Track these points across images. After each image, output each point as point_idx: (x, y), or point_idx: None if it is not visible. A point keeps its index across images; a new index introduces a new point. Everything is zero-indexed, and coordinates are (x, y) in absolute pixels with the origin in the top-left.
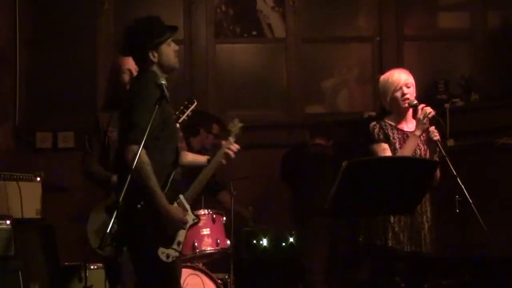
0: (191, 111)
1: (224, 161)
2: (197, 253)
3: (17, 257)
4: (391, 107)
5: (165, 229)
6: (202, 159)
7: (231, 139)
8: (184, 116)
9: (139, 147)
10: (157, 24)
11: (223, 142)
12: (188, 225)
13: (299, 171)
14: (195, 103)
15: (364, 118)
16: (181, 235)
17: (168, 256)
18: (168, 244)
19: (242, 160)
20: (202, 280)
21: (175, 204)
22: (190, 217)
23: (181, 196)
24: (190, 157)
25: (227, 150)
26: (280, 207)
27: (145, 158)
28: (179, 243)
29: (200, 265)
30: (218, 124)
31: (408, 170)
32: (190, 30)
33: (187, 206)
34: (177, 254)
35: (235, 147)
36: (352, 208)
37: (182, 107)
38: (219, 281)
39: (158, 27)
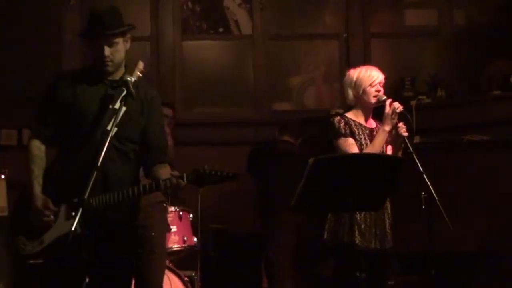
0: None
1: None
2: None
3: None
4: (358, 101)
5: (29, 217)
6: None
7: (184, 180)
8: None
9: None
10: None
11: (172, 178)
12: (59, 229)
13: (266, 167)
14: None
15: (331, 115)
16: (48, 235)
17: (23, 248)
18: (29, 235)
19: (209, 157)
20: (169, 278)
21: (63, 205)
22: (69, 224)
23: (76, 200)
24: (159, 173)
25: (166, 184)
26: (247, 204)
27: (29, 147)
28: (41, 242)
29: (167, 262)
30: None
31: (374, 167)
32: (156, 26)
33: (73, 213)
34: (34, 251)
35: (176, 183)
36: (318, 204)
37: None
38: (186, 278)
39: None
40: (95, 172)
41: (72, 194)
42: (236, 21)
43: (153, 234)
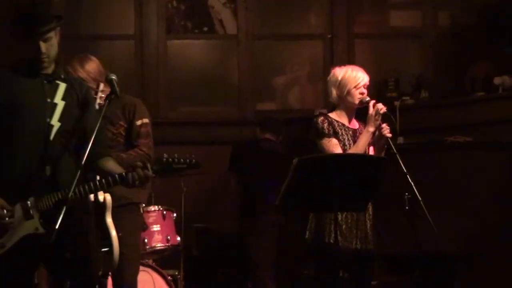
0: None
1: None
2: (147, 250)
3: None
4: (341, 101)
5: None
6: (118, 171)
7: (150, 170)
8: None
9: None
10: None
11: (138, 169)
12: (20, 230)
13: (249, 166)
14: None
15: (315, 116)
16: (8, 238)
17: None
18: None
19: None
20: (152, 277)
21: (17, 205)
22: (31, 224)
23: (31, 199)
24: (109, 165)
25: (131, 175)
26: (230, 203)
27: None
28: (2, 246)
29: (150, 261)
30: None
31: (359, 167)
32: (141, 25)
33: (34, 212)
34: None
35: (140, 175)
36: (302, 204)
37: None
38: (169, 277)
39: None
40: (46, 167)
41: (21, 193)
42: (220, 21)
43: (120, 234)
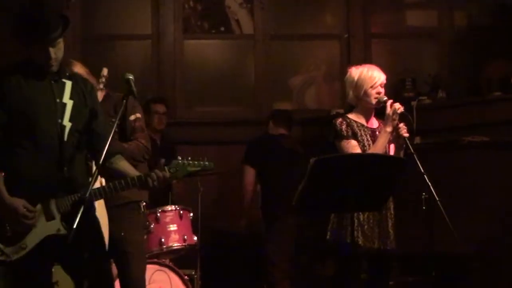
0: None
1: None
2: (164, 249)
3: None
4: (359, 101)
5: (3, 222)
6: (132, 172)
7: (167, 172)
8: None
9: None
10: None
11: (156, 171)
12: (43, 231)
13: (270, 164)
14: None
15: (332, 116)
16: (31, 239)
17: (2, 253)
18: (7, 241)
19: (208, 156)
20: (168, 276)
21: (39, 206)
22: (53, 225)
23: (53, 200)
24: (122, 165)
25: (149, 178)
26: (243, 197)
27: None
28: (24, 247)
29: (167, 261)
30: (155, 102)
31: (376, 167)
32: (157, 25)
33: (55, 213)
34: (16, 256)
35: (159, 176)
36: (319, 205)
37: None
38: (186, 277)
39: None
40: (64, 168)
41: (41, 194)
42: (237, 21)
43: (122, 234)
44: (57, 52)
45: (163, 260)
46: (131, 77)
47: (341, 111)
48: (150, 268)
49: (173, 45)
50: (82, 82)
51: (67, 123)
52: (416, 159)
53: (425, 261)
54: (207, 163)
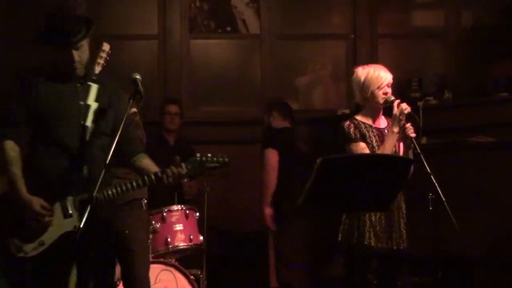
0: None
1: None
2: (170, 249)
3: None
4: (366, 102)
5: (23, 220)
6: (153, 169)
7: (183, 167)
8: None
9: (4, 138)
10: None
11: (172, 167)
12: (60, 228)
13: (285, 160)
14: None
15: (338, 116)
16: (48, 236)
17: (20, 250)
18: (25, 238)
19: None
20: (174, 276)
21: (57, 203)
22: (70, 222)
23: (70, 198)
24: (144, 163)
25: (165, 174)
26: (255, 204)
27: (4, 149)
28: (42, 243)
29: (173, 261)
30: (169, 103)
31: (383, 168)
32: (164, 25)
33: (72, 211)
34: (34, 253)
35: (175, 173)
36: (325, 205)
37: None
38: (192, 277)
39: None
40: (97, 168)
41: (60, 192)
42: (243, 20)
43: (126, 232)
44: (81, 55)
45: (169, 259)
46: (138, 76)
47: (348, 111)
48: (156, 268)
49: (180, 45)
50: (109, 84)
51: (89, 124)
52: (423, 160)
53: (431, 262)
54: (226, 159)
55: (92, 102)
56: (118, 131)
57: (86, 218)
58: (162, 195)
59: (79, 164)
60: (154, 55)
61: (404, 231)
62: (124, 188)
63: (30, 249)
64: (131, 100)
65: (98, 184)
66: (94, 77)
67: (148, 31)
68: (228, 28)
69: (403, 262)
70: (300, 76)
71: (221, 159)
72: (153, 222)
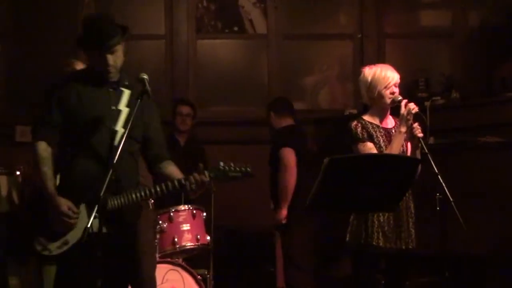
0: None
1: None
2: (177, 249)
3: None
4: (373, 101)
5: (49, 219)
6: (178, 176)
7: (206, 175)
8: None
9: (33, 141)
10: None
11: (195, 174)
12: (81, 230)
13: (298, 162)
14: None
15: (345, 116)
16: (72, 236)
17: (45, 249)
18: (50, 237)
19: (222, 156)
20: (181, 276)
21: (83, 205)
22: (95, 224)
23: (95, 201)
24: (169, 169)
25: (188, 181)
26: (262, 204)
27: (37, 149)
28: (66, 243)
29: (180, 260)
30: (182, 104)
31: (390, 168)
32: (171, 25)
33: (95, 213)
34: (58, 251)
35: (198, 180)
36: (333, 205)
37: None
38: (198, 277)
39: None
40: (111, 171)
41: (87, 194)
42: (250, 20)
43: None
44: (116, 59)
45: (176, 259)
46: (145, 76)
47: (355, 111)
48: (163, 268)
49: (187, 45)
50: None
51: (119, 129)
52: (431, 160)
53: (439, 261)
54: (248, 169)
55: (123, 108)
56: (153, 135)
57: (110, 220)
58: (168, 195)
59: (107, 168)
60: (161, 55)
61: (413, 230)
62: (148, 193)
63: (54, 248)
64: (139, 100)
65: (105, 183)
66: (126, 83)
67: (155, 31)
68: (235, 28)
69: (411, 262)
70: (307, 76)
71: (243, 169)
72: (160, 222)
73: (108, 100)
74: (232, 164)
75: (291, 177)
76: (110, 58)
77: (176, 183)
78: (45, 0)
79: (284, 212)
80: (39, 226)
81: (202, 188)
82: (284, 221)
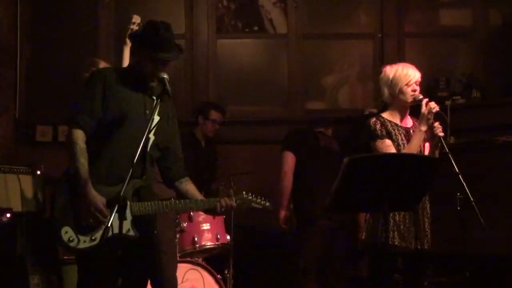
0: None
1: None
2: (197, 248)
3: (17, 250)
4: (394, 100)
5: (79, 211)
6: (197, 195)
7: (234, 201)
8: None
9: (71, 127)
10: None
11: (225, 198)
12: (114, 230)
13: (307, 161)
14: None
15: (365, 115)
16: (101, 234)
17: (71, 240)
18: (78, 229)
19: (242, 155)
20: (201, 275)
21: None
22: (124, 226)
23: (128, 203)
24: (189, 188)
25: (219, 203)
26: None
27: (75, 138)
28: (93, 239)
29: (200, 260)
30: (216, 110)
31: (410, 167)
32: (191, 24)
33: (128, 215)
34: (86, 245)
35: (228, 205)
36: (353, 205)
37: None
38: (218, 276)
39: None
40: (130, 171)
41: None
42: (270, 20)
43: (155, 232)
44: (164, 72)
45: (196, 259)
46: (165, 76)
47: (375, 110)
48: (183, 267)
49: (207, 45)
50: (169, 104)
51: (151, 136)
52: (451, 159)
53: (459, 261)
54: (268, 204)
55: (155, 116)
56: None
57: (139, 225)
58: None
59: (141, 172)
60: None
61: (429, 230)
62: (179, 205)
63: (82, 241)
64: (159, 100)
65: (126, 182)
66: (165, 79)
67: (175, 31)
68: (255, 28)
69: (430, 262)
70: (327, 75)
71: (263, 202)
72: (181, 221)
73: (143, 106)
74: (254, 196)
75: (285, 181)
76: (161, 70)
77: (206, 202)
78: (65, 2)
79: (282, 213)
80: (67, 216)
81: (228, 213)
82: (284, 225)
